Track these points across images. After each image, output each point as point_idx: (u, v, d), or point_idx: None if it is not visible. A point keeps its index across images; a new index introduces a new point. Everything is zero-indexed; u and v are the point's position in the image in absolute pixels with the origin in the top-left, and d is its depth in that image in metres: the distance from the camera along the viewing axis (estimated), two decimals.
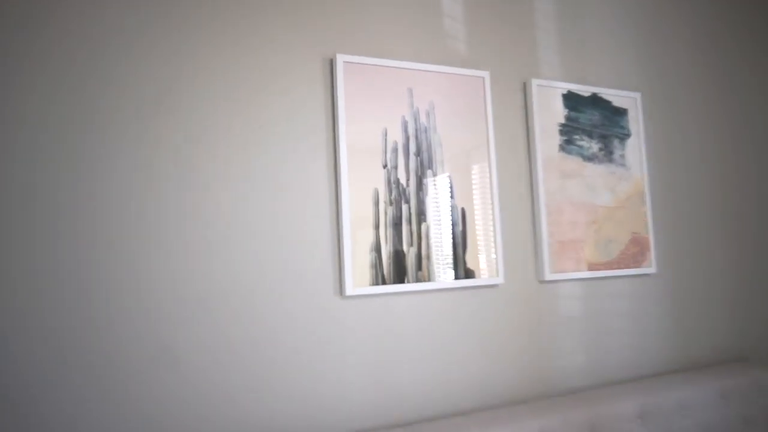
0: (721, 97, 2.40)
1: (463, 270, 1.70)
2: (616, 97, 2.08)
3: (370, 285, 1.57)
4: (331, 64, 1.62)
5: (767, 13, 2.63)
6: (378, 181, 1.62)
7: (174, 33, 1.43)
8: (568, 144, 1.95)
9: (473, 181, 1.75)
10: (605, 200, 1.99)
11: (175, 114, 1.41)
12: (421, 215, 1.66)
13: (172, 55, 1.42)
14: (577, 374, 1.88)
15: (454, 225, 1.70)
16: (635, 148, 2.09)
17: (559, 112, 1.95)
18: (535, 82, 1.90)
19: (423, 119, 1.70)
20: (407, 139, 1.67)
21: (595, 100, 2.03)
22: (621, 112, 2.08)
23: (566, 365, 1.86)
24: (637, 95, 2.12)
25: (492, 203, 1.77)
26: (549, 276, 1.84)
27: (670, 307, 2.12)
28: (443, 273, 1.67)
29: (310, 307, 1.51)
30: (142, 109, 1.38)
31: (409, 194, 1.65)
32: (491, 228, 1.76)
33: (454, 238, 1.70)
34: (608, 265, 1.97)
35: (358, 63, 1.63)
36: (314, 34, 1.60)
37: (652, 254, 2.07)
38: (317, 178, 1.56)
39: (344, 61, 1.60)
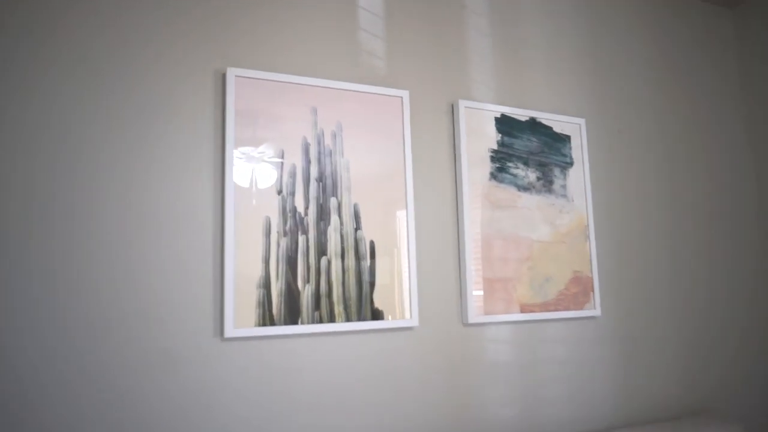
0: (672, 127, 2.23)
1: (369, 310, 1.51)
2: (557, 122, 1.91)
3: (255, 326, 1.38)
4: (223, 79, 1.46)
5: (719, 35, 2.48)
6: (271, 208, 1.44)
7: (57, 38, 1.28)
8: (500, 172, 1.78)
9: (385, 211, 1.58)
10: (542, 234, 1.81)
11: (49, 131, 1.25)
12: (321, 248, 1.48)
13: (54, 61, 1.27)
14: (508, 429, 1.67)
15: (360, 259, 1.52)
16: (578, 178, 1.91)
17: (491, 137, 1.78)
18: (463, 104, 1.74)
19: (328, 141, 1.54)
20: (308, 162, 1.50)
21: (534, 126, 1.87)
22: (563, 139, 1.91)
23: (494, 418, 1.65)
24: (582, 121, 1.95)
25: (407, 235, 1.59)
26: (474, 318, 1.65)
27: (616, 354, 1.91)
28: (345, 313, 1.48)
29: (184, 350, 1.32)
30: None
31: (307, 224, 1.47)
32: (405, 263, 1.58)
33: (360, 274, 1.52)
34: (544, 307, 1.78)
35: (253, 78, 1.47)
36: (205, 45, 1.45)
37: (596, 295, 1.87)
38: (202, 203, 1.39)
39: (236, 76, 1.45)
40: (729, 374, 2.15)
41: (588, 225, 1.90)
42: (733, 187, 2.32)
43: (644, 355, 1.97)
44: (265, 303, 1.40)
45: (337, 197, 1.52)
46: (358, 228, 1.53)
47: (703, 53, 2.37)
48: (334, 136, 1.55)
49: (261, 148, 1.45)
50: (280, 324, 1.41)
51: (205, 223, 1.39)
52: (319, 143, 1.52)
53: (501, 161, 1.78)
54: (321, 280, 1.47)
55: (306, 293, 1.45)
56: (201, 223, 1.38)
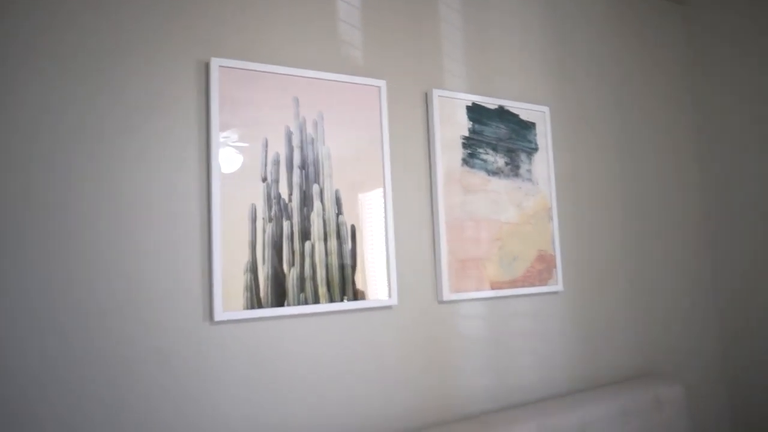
0: (629, 114, 2.38)
1: (351, 291, 1.60)
2: (523, 110, 2.02)
3: (244, 309, 1.44)
4: (207, 69, 1.49)
5: (671, 30, 2.64)
6: (256, 196, 1.49)
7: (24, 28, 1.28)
8: (471, 158, 1.88)
9: (365, 197, 1.65)
10: (510, 216, 1.93)
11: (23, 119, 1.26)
12: (305, 233, 1.55)
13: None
14: (480, 398, 1.80)
15: (342, 243, 1.60)
16: (543, 163, 2.03)
17: (462, 125, 1.87)
18: (436, 93, 1.82)
19: (310, 130, 1.59)
20: (291, 150, 1.56)
21: (502, 113, 1.97)
22: (529, 126, 2.02)
23: (468, 388, 1.78)
24: (546, 109, 2.07)
25: (385, 220, 1.68)
26: (448, 296, 1.76)
27: (576, 325, 2.07)
28: (329, 294, 1.56)
29: (176, 334, 1.38)
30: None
31: (291, 210, 1.54)
32: (383, 246, 1.67)
33: (342, 257, 1.59)
34: (513, 284, 1.90)
35: (237, 68, 1.50)
36: (186, 33, 1.47)
37: (559, 272, 2.01)
38: (188, 192, 1.43)
39: (220, 66, 1.48)
40: (674, 341, 2.36)
41: (551, 207, 2.03)
42: (681, 173, 2.50)
43: (601, 325, 2.14)
44: (253, 287, 1.46)
45: (319, 184, 1.58)
46: (339, 213, 1.60)
47: (658, 46, 2.52)
48: (315, 124, 1.60)
49: (240, 135, 1.49)
50: (267, 306, 1.48)
51: (192, 211, 1.43)
52: (301, 132, 1.58)
53: (472, 147, 1.88)
54: (305, 264, 1.54)
55: (291, 276, 1.52)
56: (188, 212, 1.42)
